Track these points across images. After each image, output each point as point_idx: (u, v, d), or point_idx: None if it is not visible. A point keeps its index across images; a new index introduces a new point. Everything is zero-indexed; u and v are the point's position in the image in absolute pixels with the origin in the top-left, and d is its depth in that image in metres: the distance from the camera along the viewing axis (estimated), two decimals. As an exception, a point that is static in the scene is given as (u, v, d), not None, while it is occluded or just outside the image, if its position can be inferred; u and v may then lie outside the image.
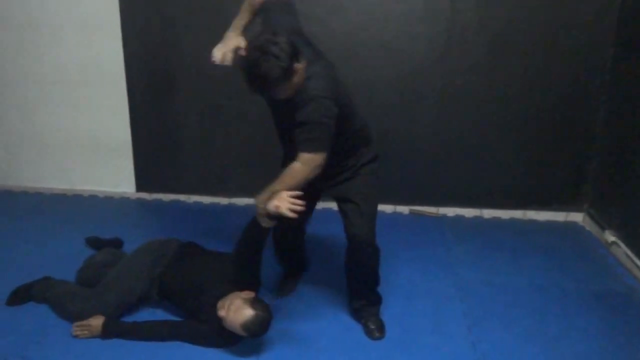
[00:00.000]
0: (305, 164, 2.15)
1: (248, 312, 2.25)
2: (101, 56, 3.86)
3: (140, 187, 4.16)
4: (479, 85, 3.52)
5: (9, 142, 4.25)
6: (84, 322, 2.45)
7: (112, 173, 4.16)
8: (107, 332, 2.42)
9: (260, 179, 3.83)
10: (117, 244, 3.29)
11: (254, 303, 2.31)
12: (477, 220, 3.73)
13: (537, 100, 3.50)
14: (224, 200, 4.05)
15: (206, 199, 4.08)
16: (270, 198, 2.21)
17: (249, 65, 2.01)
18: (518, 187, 3.68)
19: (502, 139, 3.60)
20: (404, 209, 3.84)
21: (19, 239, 3.47)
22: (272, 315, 2.32)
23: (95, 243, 3.28)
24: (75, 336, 2.43)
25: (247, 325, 2.24)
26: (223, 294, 2.38)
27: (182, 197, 4.11)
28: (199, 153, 3.99)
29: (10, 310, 2.64)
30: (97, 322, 2.44)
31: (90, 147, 4.12)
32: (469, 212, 3.77)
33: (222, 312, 2.27)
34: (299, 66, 2.04)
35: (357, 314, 2.57)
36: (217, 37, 2.35)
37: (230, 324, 2.26)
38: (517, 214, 3.72)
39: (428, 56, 3.51)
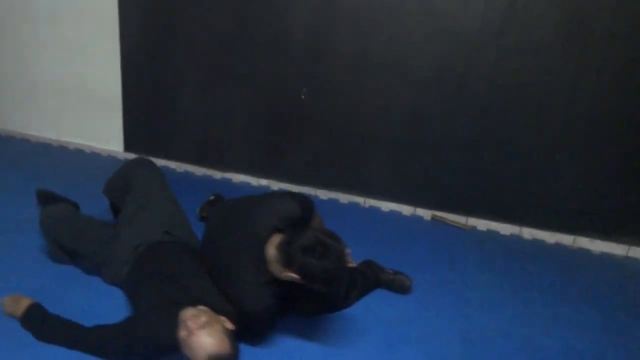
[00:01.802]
0: None
1: (225, 347, 1.71)
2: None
3: (128, 146, 3.66)
4: (540, 78, 2.72)
5: (6, 84, 3.84)
6: (17, 297, 2.02)
7: (101, 128, 3.67)
8: (26, 317, 1.95)
9: (261, 156, 3.25)
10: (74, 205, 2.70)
11: (233, 339, 1.77)
12: (514, 239, 2.99)
13: (614, 106, 2.68)
14: (217, 174, 3.49)
15: (198, 170, 3.53)
16: None
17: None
18: (571, 206, 2.89)
19: (558, 145, 2.81)
20: (426, 213, 3.15)
21: None
22: None
23: (48, 197, 2.63)
24: (2, 305, 2.03)
25: (212, 354, 1.69)
26: (198, 301, 1.86)
27: (172, 164, 3.57)
28: (195, 117, 3.42)
29: None
30: (25, 302, 1.98)
31: (79, 96, 3.64)
32: (505, 229, 3.03)
33: (192, 323, 1.71)
34: None
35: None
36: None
37: (191, 347, 1.70)
38: (566, 239, 2.95)
39: (480, 33, 2.74)
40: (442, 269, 2.62)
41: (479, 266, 2.67)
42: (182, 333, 1.72)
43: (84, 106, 3.65)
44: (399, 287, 2.39)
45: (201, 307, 1.83)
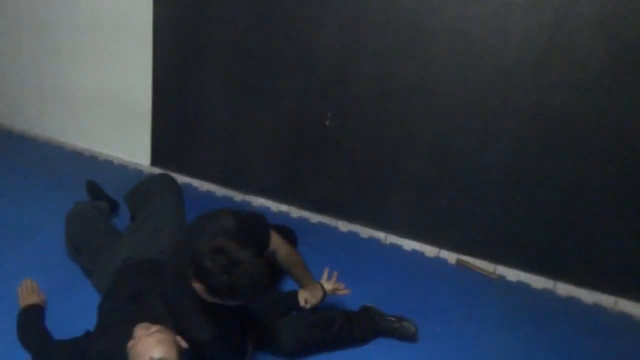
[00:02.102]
0: None
1: (170, 355, 1.57)
2: (133, 7, 3.35)
3: (155, 161, 3.63)
4: (589, 110, 2.45)
5: (41, 91, 3.94)
6: (33, 289, 2.12)
7: (130, 140, 3.68)
8: (22, 313, 2.00)
9: (283, 181, 2.99)
10: (113, 204, 2.96)
11: (182, 354, 1.63)
12: (547, 295, 2.67)
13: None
14: (238, 196, 3.38)
15: (220, 190, 3.43)
16: None
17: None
18: (614, 262, 2.55)
19: (603, 193, 2.51)
20: (450, 257, 2.89)
21: (24, 188, 3.27)
22: None
23: (94, 190, 3.00)
24: (19, 287, 2.13)
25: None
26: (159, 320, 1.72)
27: (195, 182, 3.50)
28: (220, 137, 3.35)
29: None
30: (32, 299, 2.07)
31: (112, 108, 3.67)
32: (536, 282, 2.72)
33: (141, 331, 1.60)
34: None
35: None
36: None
37: (135, 353, 1.57)
38: (605, 300, 2.59)
39: (518, 64, 2.51)
40: (458, 320, 2.36)
41: (500, 321, 2.39)
42: (130, 343, 1.59)
43: (115, 118, 3.67)
44: (403, 334, 2.16)
45: (158, 326, 1.70)
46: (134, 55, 3.45)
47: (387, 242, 3.02)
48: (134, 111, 3.55)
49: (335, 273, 2.17)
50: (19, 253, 2.55)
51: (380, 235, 3.04)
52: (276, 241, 1.96)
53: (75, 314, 2.05)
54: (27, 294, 2.10)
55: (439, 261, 2.89)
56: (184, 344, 1.67)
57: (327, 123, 2.98)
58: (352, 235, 3.08)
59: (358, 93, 2.89)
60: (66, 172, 3.56)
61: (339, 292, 2.16)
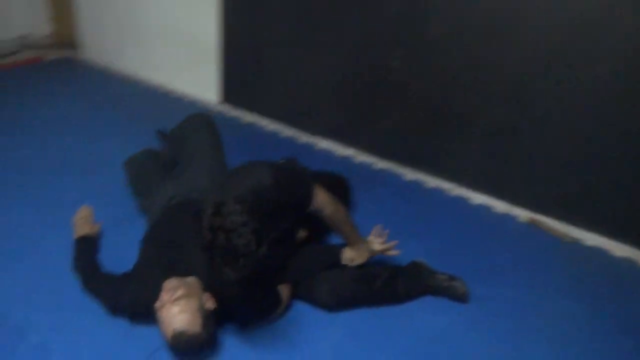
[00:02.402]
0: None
1: (194, 325, 1.58)
2: None
3: (223, 98, 3.60)
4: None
5: (120, 27, 4.00)
6: (87, 218, 2.18)
7: (200, 78, 3.67)
8: (77, 243, 2.07)
9: (347, 123, 2.95)
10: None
11: (209, 319, 1.64)
12: (628, 265, 2.38)
13: None
14: (302, 137, 3.29)
15: (285, 130, 3.36)
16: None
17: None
18: None
19: None
20: (522, 215, 2.64)
21: (97, 122, 3.38)
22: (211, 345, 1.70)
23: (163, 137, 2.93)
24: (75, 214, 2.19)
25: (177, 337, 1.58)
26: (191, 272, 1.74)
27: (262, 122, 3.45)
28: (287, 76, 3.24)
29: None
30: (86, 228, 2.13)
31: (184, 45, 3.66)
32: (618, 249, 2.43)
33: (166, 295, 1.62)
34: None
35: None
36: None
37: (161, 320, 1.61)
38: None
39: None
40: (518, 284, 2.18)
41: (566, 289, 2.17)
42: (157, 304, 1.62)
43: (187, 54, 3.66)
44: (452, 294, 2.02)
45: (188, 279, 1.69)
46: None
47: (454, 193, 2.82)
48: (204, 48, 3.51)
49: (386, 232, 2.04)
50: (83, 185, 2.65)
51: (446, 186, 2.84)
52: (321, 199, 1.83)
53: (131, 247, 2.07)
54: (82, 223, 2.15)
55: (508, 218, 2.66)
56: (210, 304, 1.66)
57: (394, 63, 2.76)
58: (417, 184, 2.90)
59: (428, 31, 2.62)
60: (139, 108, 3.64)
61: (388, 253, 2.04)
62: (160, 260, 1.81)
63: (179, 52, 3.70)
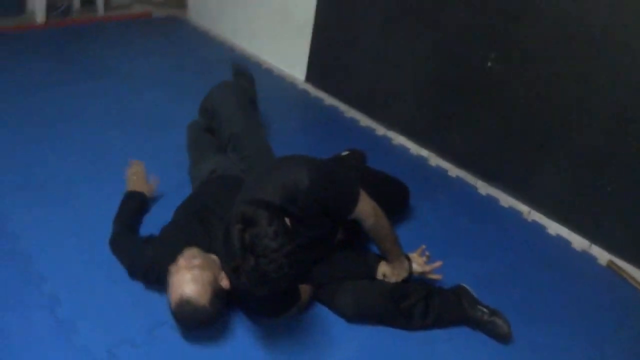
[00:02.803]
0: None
1: (202, 296, 1.55)
2: None
3: (308, 77, 3.53)
4: None
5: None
6: (140, 174, 2.19)
7: (290, 53, 3.61)
8: (125, 196, 2.10)
9: (427, 122, 2.86)
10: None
11: (218, 297, 1.59)
12: None
13: None
14: (380, 129, 3.14)
15: (364, 120, 3.22)
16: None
17: None
18: None
19: None
20: (602, 256, 2.34)
21: (186, 84, 3.40)
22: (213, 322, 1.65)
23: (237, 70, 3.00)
24: (127, 168, 2.21)
25: (182, 304, 1.55)
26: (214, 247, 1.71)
27: (342, 107, 3.33)
28: (372, 63, 3.08)
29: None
30: (138, 185, 2.15)
31: (279, 18, 3.60)
32: None
33: (183, 261, 1.60)
34: None
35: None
36: None
37: (170, 284, 1.60)
38: None
39: None
40: (576, 334, 1.93)
41: (633, 353, 1.89)
42: (172, 267, 1.60)
43: (280, 27, 3.61)
44: (491, 332, 1.82)
45: (212, 255, 1.66)
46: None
47: (529, 218, 2.55)
48: (299, 24, 3.43)
49: (427, 254, 1.89)
50: (151, 142, 2.69)
51: (522, 208, 2.58)
52: (364, 208, 1.70)
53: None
54: (135, 179, 2.17)
55: (585, 257, 2.37)
56: (225, 283, 1.61)
57: (489, 65, 2.52)
58: (490, 200, 2.67)
59: (531, 35, 2.35)
60: (226, 74, 3.65)
61: (428, 276, 1.89)
62: (186, 229, 1.79)
63: (275, 24, 3.66)
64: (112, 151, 2.58)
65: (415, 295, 1.80)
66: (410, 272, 1.85)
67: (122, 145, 2.64)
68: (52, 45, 3.71)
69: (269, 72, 3.75)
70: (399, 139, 3.04)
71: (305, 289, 1.78)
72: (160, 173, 2.31)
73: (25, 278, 1.82)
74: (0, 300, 1.73)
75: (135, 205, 2.08)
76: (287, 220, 1.46)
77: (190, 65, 3.71)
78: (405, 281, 1.86)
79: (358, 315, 1.79)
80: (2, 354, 1.57)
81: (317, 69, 3.46)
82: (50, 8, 3.97)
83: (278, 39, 3.68)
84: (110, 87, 3.22)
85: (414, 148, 2.98)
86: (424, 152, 2.94)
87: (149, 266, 1.75)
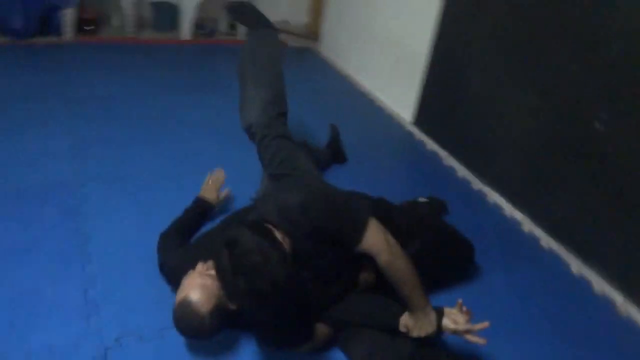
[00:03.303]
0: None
1: (203, 306, 1.54)
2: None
3: (416, 120, 3.42)
4: None
5: (352, 28, 4.14)
6: (218, 184, 2.26)
7: (402, 94, 3.54)
8: (194, 201, 2.20)
9: (525, 183, 2.71)
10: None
11: (219, 313, 1.57)
12: None
13: None
14: (476, 183, 2.92)
15: (461, 170, 3.03)
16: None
17: None
18: None
19: None
20: None
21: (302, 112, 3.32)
22: (207, 336, 1.62)
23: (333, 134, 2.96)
24: (210, 174, 2.29)
25: (182, 306, 1.57)
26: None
27: (441, 153, 3.17)
28: (479, 112, 2.90)
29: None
30: (211, 195, 2.22)
31: (398, 59, 3.58)
32: None
33: (200, 267, 1.65)
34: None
35: None
36: None
37: (182, 284, 1.63)
38: None
39: None
40: None
41: None
42: (190, 270, 1.64)
43: (397, 68, 3.59)
44: None
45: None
46: (422, 6, 3.24)
47: (624, 311, 2.16)
48: (412, 66, 3.37)
49: (466, 309, 1.62)
50: (236, 157, 2.66)
51: (617, 297, 2.19)
52: (375, 242, 1.56)
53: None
54: (209, 186, 2.24)
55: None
56: (233, 306, 1.56)
57: (597, 126, 2.21)
58: (581, 283, 2.31)
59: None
60: (337, 105, 3.72)
61: (468, 337, 1.59)
62: (214, 242, 1.79)
63: (391, 65, 3.65)
64: (199, 159, 2.74)
65: None
66: (439, 328, 1.61)
67: (210, 154, 2.79)
68: (187, 57, 4.16)
69: (380, 110, 3.72)
70: (494, 197, 2.79)
71: (322, 330, 1.68)
72: (236, 187, 2.39)
73: (77, 255, 2.00)
74: (48, 268, 1.91)
75: (196, 212, 2.15)
76: (278, 234, 1.41)
77: (305, 92, 3.81)
78: (431, 342, 1.64)
79: None
80: (27, 312, 1.73)
81: (424, 112, 3.35)
82: (198, 27, 4.40)
83: (392, 80, 3.66)
84: (218, 100, 3.43)
85: (508, 209, 2.71)
86: (518, 215, 2.66)
87: (171, 269, 1.80)
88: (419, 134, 3.37)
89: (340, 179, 2.56)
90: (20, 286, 1.81)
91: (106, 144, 2.76)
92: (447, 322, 1.61)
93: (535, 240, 2.55)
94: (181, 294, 1.58)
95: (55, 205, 2.23)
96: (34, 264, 1.90)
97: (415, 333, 1.62)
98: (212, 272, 1.57)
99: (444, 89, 3.15)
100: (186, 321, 1.55)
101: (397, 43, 3.55)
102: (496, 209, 2.75)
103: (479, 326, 1.57)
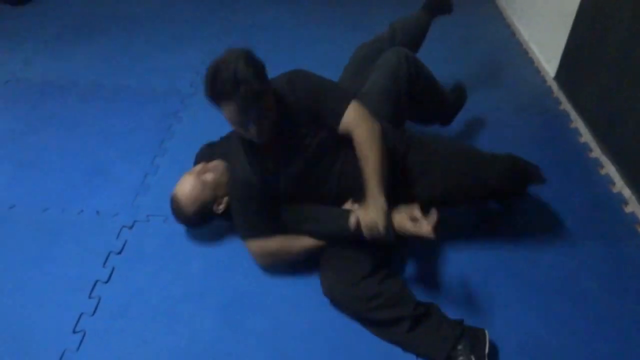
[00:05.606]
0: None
1: (190, 201, 1.71)
2: None
3: (557, 75, 3.08)
4: None
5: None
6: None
7: (548, 39, 3.20)
8: None
9: None
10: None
11: (204, 210, 1.74)
12: None
13: None
14: (596, 151, 2.58)
15: (586, 136, 2.70)
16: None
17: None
18: None
19: None
20: None
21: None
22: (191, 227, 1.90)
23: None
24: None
25: (174, 199, 1.77)
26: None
27: (572, 115, 2.84)
28: (623, 80, 2.50)
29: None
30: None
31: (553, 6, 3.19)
32: None
33: (199, 166, 1.82)
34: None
35: None
36: None
37: (181, 178, 1.86)
38: None
39: None
40: None
41: None
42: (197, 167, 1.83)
43: (550, 16, 3.21)
44: None
45: (214, 172, 1.81)
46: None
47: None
48: (561, 13, 3.00)
49: (435, 215, 1.46)
50: None
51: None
52: (356, 114, 1.58)
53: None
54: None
55: None
56: (219, 209, 1.73)
57: None
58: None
59: None
60: (497, 51, 3.57)
61: (420, 232, 1.45)
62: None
63: (548, 12, 3.29)
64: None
65: (406, 308, 1.55)
66: (388, 218, 1.48)
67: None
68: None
69: (527, 61, 3.41)
70: (609, 169, 2.46)
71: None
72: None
73: (155, 148, 2.51)
74: (129, 150, 2.42)
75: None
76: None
77: (457, 31, 3.69)
78: (385, 242, 1.52)
79: (333, 302, 1.69)
80: (91, 183, 2.25)
81: (567, 68, 2.99)
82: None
83: (544, 31, 3.31)
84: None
85: (619, 184, 2.38)
86: (627, 193, 2.33)
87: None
88: (557, 91, 3.04)
89: (455, 123, 2.52)
90: (96, 159, 2.32)
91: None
92: (398, 218, 1.51)
93: (635, 222, 2.23)
94: (177, 187, 1.76)
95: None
96: (120, 147, 2.40)
97: (363, 222, 1.51)
98: (209, 177, 1.71)
99: (589, 45, 2.77)
100: (174, 211, 1.77)
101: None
102: (605, 182, 2.43)
103: (430, 218, 1.45)
